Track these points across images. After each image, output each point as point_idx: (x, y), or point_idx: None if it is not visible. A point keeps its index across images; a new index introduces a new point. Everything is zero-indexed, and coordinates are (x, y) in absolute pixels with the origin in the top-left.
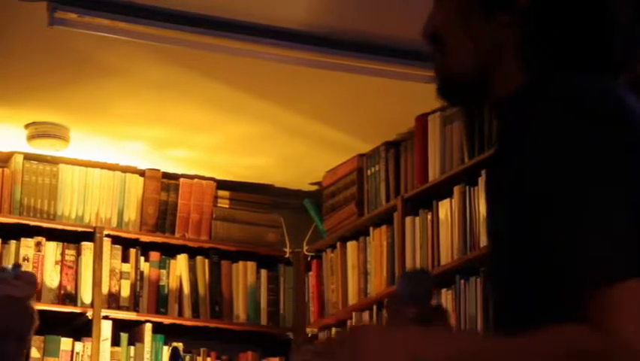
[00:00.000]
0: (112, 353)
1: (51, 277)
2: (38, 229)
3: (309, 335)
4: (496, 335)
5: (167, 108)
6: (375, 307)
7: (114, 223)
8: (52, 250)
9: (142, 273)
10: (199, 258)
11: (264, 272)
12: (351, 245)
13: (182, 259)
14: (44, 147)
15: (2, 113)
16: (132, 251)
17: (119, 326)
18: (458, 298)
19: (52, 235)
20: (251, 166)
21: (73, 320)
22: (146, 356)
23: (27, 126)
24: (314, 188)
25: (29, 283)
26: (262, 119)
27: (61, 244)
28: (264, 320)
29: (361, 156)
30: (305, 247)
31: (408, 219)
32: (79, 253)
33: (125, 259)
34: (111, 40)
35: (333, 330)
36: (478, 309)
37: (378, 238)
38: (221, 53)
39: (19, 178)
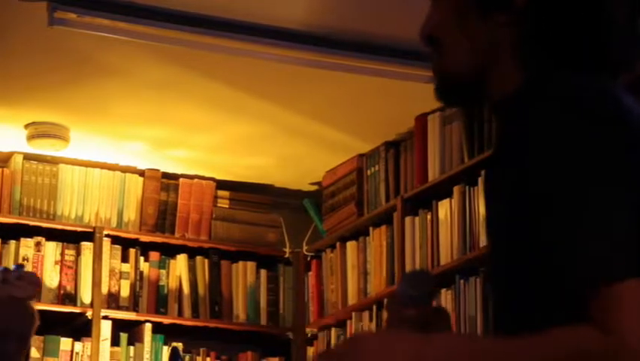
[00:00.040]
0: (111, 353)
1: (51, 277)
2: (38, 229)
3: (309, 335)
4: (496, 335)
5: (167, 108)
6: (374, 307)
7: (114, 223)
8: (51, 250)
9: (142, 273)
10: (199, 258)
11: (263, 272)
12: (350, 245)
13: (181, 259)
14: (44, 147)
15: (2, 113)
16: (132, 251)
17: (118, 326)
18: (458, 299)
19: (51, 235)
20: (251, 166)
21: (72, 320)
22: (146, 356)
23: (27, 126)
24: (314, 188)
25: (31, 284)
26: (262, 119)
27: (60, 244)
28: (263, 320)
29: (361, 156)
30: (305, 247)
31: (407, 220)
32: (78, 253)
33: (124, 259)
34: (111, 40)
35: (333, 330)
36: (477, 309)
37: (377, 238)
38: (221, 53)
39: (18, 178)
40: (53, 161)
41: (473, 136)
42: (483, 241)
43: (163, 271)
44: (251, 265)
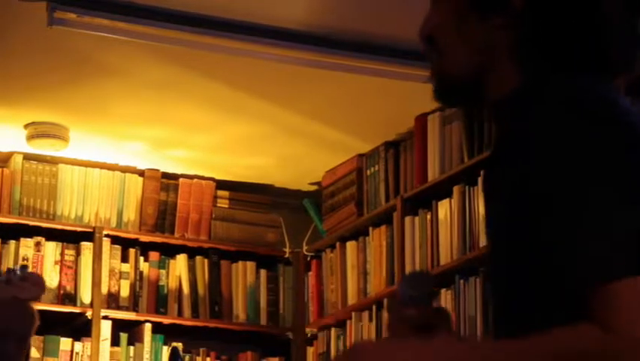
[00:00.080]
0: (111, 353)
1: (50, 277)
2: (38, 229)
3: (309, 335)
4: (496, 336)
5: (166, 108)
6: (374, 307)
7: (113, 223)
8: (51, 250)
9: (141, 273)
10: (198, 258)
11: (263, 272)
12: (350, 245)
13: (181, 259)
14: (44, 147)
15: (2, 113)
16: (132, 251)
17: (118, 326)
18: (457, 299)
19: (51, 235)
20: (250, 166)
21: (72, 320)
22: (146, 356)
23: (26, 126)
24: (313, 188)
25: (35, 285)
26: (262, 119)
27: (60, 244)
28: (263, 320)
29: (361, 156)
30: (304, 247)
31: (407, 219)
32: (78, 253)
33: (124, 259)
34: (111, 40)
35: (333, 330)
36: (477, 309)
37: (377, 238)
38: (221, 53)
39: (18, 178)
40: (53, 161)
41: (473, 136)
42: (483, 241)
43: (163, 271)
44: (251, 265)
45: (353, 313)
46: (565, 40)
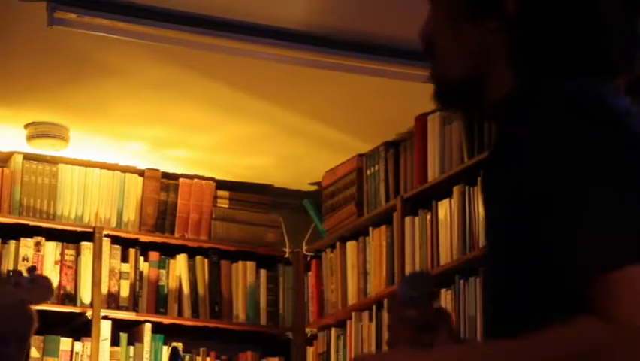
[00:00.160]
0: (111, 353)
1: (50, 277)
2: (38, 229)
3: (309, 335)
4: (496, 337)
5: (166, 108)
6: (374, 307)
7: (113, 223)
8: (51, 250)
9: (141, 273)
10: (198, 258)
11: (263, 272)
12: (350, 245)
13: (181, 259)
14: (44, 147)
15: (2, 113)
16: (131, 251)
17: (118, 326)
18: (457, 299)
19: (51, 235)
20: (250, 166)
21: (72, 320)
22: (146, 356)
23: (26, 126)
24: (313, 188)
25: (44, 288)
26: (262, 119)
27: (60, 244)
28: (263, 320)
29: (361, 156)
30: (304, 247)
31: (407, 219)
32: (78, 253)
33: (124, 259)
34: (110, 40)
35: (333, 330)
36: (477, 309)
37: (377, 238)
38: (221, 53)
39: (18, 178)
40: (53, 161)
41: (473, 136)
42: (483, 240)
43: (163, 271)
44: (251, 265)
45: (353, 314)
46: (560, 42)
